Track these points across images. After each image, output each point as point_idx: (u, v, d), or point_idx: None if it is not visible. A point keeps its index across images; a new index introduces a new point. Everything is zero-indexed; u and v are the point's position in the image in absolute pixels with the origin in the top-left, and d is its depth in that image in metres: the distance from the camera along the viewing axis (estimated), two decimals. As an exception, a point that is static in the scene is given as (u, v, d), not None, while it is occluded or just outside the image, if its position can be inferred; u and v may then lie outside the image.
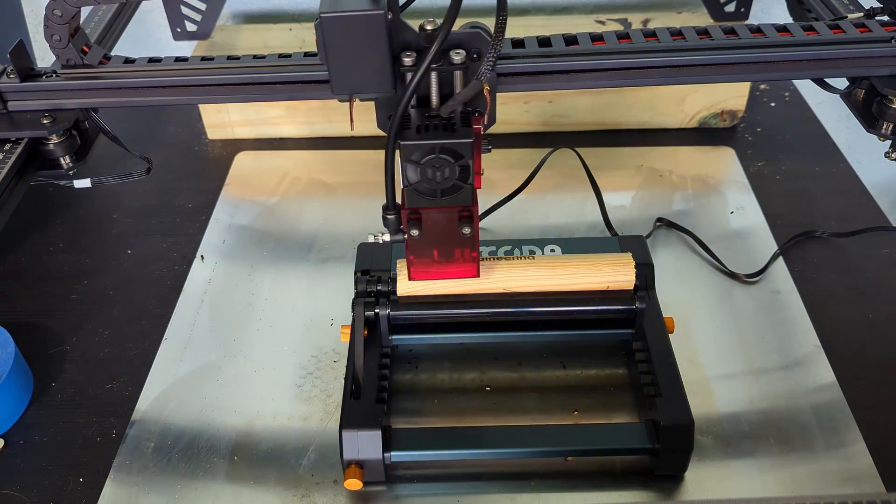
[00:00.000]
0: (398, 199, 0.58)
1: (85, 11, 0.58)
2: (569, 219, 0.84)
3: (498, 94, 0.56)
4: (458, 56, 0.52)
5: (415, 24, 0.52)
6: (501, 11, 0.49)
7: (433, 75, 0.53)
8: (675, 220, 0.82)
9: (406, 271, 0.63)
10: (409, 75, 0.52)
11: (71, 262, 0.82)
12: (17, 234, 0.85)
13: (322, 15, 0.49)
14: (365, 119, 0.58)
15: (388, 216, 0.57)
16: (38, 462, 0.64)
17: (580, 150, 0.82)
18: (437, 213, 0.57)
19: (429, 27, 0.51)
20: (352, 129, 0.55)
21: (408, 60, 0.52)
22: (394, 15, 0.51)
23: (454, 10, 0.48)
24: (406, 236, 0.58)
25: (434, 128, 0.53)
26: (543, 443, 0.60)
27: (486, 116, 0.55)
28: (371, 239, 0.59)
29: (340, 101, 0.54)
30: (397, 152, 0.54)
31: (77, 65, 0.59)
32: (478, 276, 0.62)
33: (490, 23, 0.53)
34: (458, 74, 0.53)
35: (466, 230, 0.57)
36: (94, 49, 0.60)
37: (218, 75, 0.59)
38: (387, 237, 0.59)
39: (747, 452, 0.62)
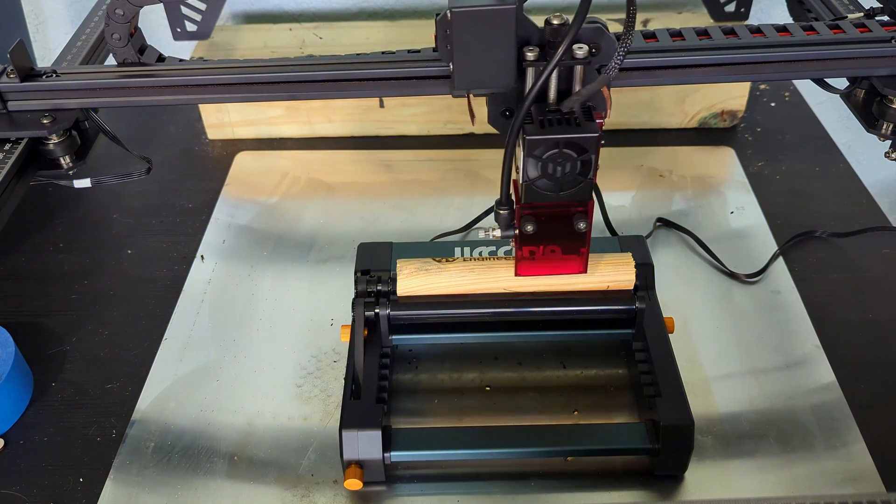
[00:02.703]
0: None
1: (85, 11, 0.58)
2: (569, 219, 0.84)
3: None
4: (580, 51, 0.52)
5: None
6: (631, 4, 0.49)
7: (555, 70, 0.53)
8: (675, 220, 0.82)
9: (406, 270, 0.63)
10: (530, 70, 0.52)
11: (71, 262, 0.82)
12: (17, 234, 0.85)
13: (452, 9, 0.49)
14: (369, 119, 0.58)
15: (501, 211, 0.57)
16: (38, 462, 0.64)
17: (580, 150, 0.82)
18: (555, 208, 0.56)
19: (556, 21, 0.51)
20: (473, 123, 0.54)
21: (530, 55, 0.52)
22: (518, 9, 0.51)
23: (585, 5, 0.48)
24: (517, 232, 0.57)
25: (557, 122, 0.53)
26: (543, 443, 0.60)
27: (607, 111, 0.55)
28: (482, 235, 0.59)
29: (455, 96, 0.54)
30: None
31: (134, 63, 0.60)
32: (585, 271, 0.61)
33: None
34: (578, 69, 0.53)
35: (582, 225, 0.57)
36: (150, 49, 0.61)
37: (218, 75, 0.59)
38: (497, 233, 0.58)
39: (747, 452, 0.62)
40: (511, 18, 0.50)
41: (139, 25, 0.60)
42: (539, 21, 0.52)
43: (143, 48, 0.61)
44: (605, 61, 0.52)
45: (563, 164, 0.53)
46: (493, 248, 0.69)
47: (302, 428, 0.65)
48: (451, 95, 0.55)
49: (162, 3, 0.59)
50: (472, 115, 0.54)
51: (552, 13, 0.51)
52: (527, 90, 0.52)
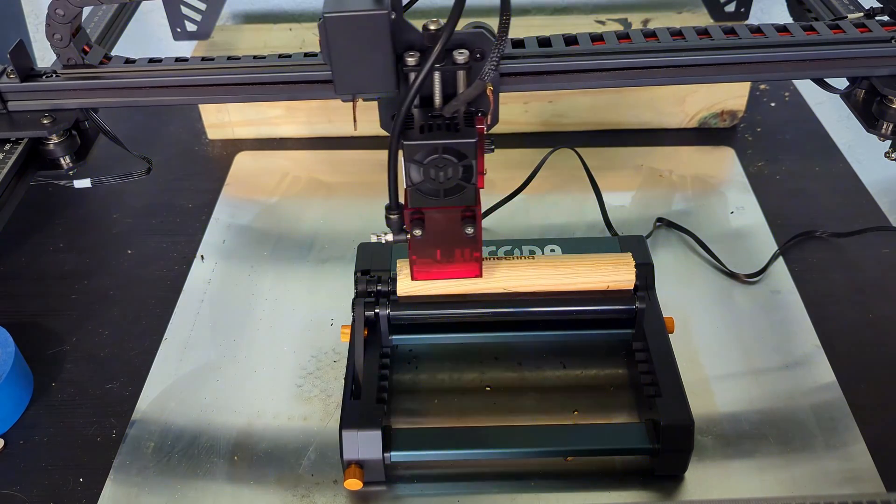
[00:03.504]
0: (401, 200, 0.58)
1: (85, 11, 0.58)
2: (569, 219, 0.84)
3: (499, 95, 0.56)
4: (461, 56, 0.52)
5: (417, 23, 0.52)
6: (505, 11, 0.49)
7: (436, 75, 0.53)
8: (675, 220, 0.82)
9: (406, 271, 0.63)
10: (412, 75, 0.52)
11: (71, 262, 0.82)
12: (17, 234, 0.85)
13: (325, 14, 0.49)
14: (366, 119, 0.58)
15: (391, 216, 0.58)
16: (38, 462, 0.64)
17: (580, 150, 0.82)
18: (441, 213, 0.57)
19: (432, 27, 0.51)
20: (355, 129, 0.55)
21: (411, 60, 0.52)
22: (397, 15, 0.51)
23: (458, 9, 0.48)
24: (409, 236, 0.58)
25: (437, 128, 0.53)
26: (543, 443, 0.60)
27: (489, 116, 0.55)
28: (374, 239, 0.59)
29: (343, 101, 0.54)
30: (400, 152, 0.54)
31: (78, 64, 0.59)
32: (480, 276, 0.62)
33: (492, 23, 0.53)
34: (461, 74, 0.53)
35: (469, 230, 0.57)
36: (95, 49, 0.60)
37: (218, 75, 0.59)
38: (389, 237, 0.59)
39: (747, 452, 0.62)
40: (385, 23, 0.50)
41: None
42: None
43: (86, 47, 0.60)
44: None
45: (444, 168, 0.54)
46: (493, 248, 0.69)
47: (302, 428, 0.65)
48: (340, 100, 0.55)
49: (162, 4, 0.59)
50: (355, 120, 0.54)
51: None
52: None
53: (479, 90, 0.52)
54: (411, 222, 0.57)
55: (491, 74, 0.51)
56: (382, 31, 0.50)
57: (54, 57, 0.60)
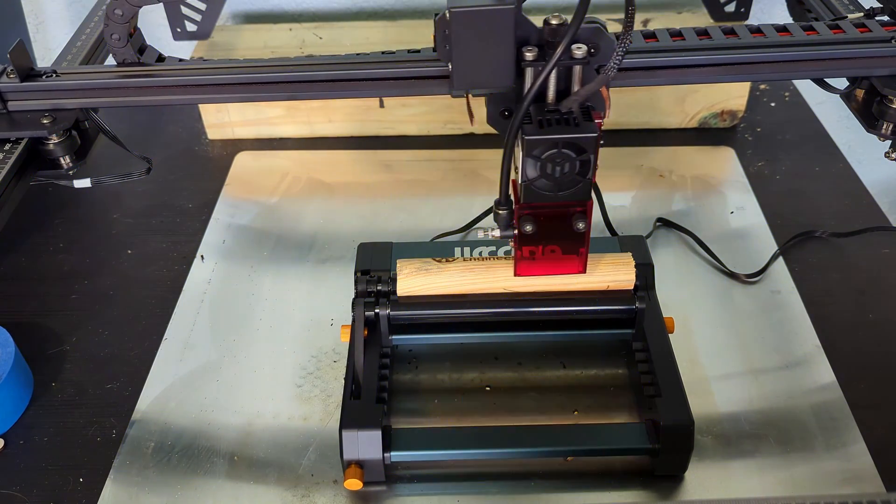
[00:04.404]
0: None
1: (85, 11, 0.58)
2: (569, 219, 0.84)
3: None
4: (579, 51, 0.52)
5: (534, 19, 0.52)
6: (630, 4, 0.49)
7: (554, 70, 0.53)
8: (675, 220, 0.82)
9: (407, 270, 0.63)
10: (528, 70, 0.52)
11: (71, 262, 0.82)
12: (17, 234, 0.85)
13: (451, 9, 0.49)
14: (369, 119, 0.58)
15: (500, 211, 0.57)
16: (38, 462, 0.64)
17: (580, 150, 0.82)
18: (554, 208, 0.56)
19: (554, 22, 0.51)
20: (472, 124, 0.54)
21: (529, 55, 0.52)
22: (516, 9, 0.51)
23: (584, 5, 0.48)
24: (516, 232, 0.57)
25: (556, 122, 0.53)
26: (543, 443, 0.60)
27: (606, 111, 0.55)
28: (480, 235, 0.59)
29: (454, 96, 0.54)
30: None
31: (134, 63, 0.60)
32: (584, 272, 0.61)
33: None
34: (577, 69, 0.53)
35: (581, 225, 0.57)
36: (150, 49, 0.61)
37: (218, 75, 0.59)
38: (497, 233, 0.58)
39: (747, 452, 0.62)
40: (509, 18, 0.50)
41: (139, 25, 0.60)
42: (538, 21, 0.52)
43: (142, 48, 0.61)
44: (603, 61, 0.52)
45: (561, 164, 0.53)
46: (493, 248, 0.69)
47: (302, 428, 0.65)
48: (450, 95, 0.55)
49: (162, 3, 0.59)
50: (471, 116, 0.54)
51: (551, 13, 0.51)
52: (525, 90, 0.52)
53: (602, 84, 0.51)
54: (521, 218, 0.56)
55: (616, 68, 0.50)
56: (506, 25, 0.50)
57: (54, 57, 0.60)
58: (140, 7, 0.56)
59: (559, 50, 0.49)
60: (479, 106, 0.55)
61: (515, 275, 0.60)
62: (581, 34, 0.52)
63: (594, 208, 0.79)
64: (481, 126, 0.55)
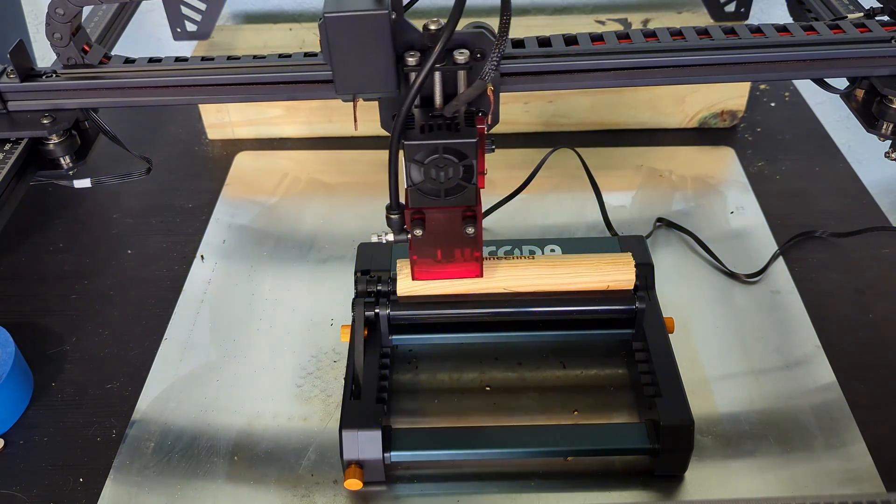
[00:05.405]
0: (401, 200, 0.58)
1: (85, 11, 0.58)
2: (569, 219, 0.84)
3: (500, 94, 0.56)
4: (461, 56, 0.52)
5: (418, 24, 0.52)
6: (505, 11, 0.49)
7: (437, 75, 0.53)
8: (675, 220, 0.82)
9: (406, 271, 0.63)
10: (412, 75, 0.52)
11: (71, 262, 0.82)
12: (17, 234, 0.85)
13: (326, 15, 0.49)
14: (366, 119, 0.58)
15: (392, 216, 0.58)
16: (38, 462, 0.64)
17: (580, 150, 0.82)
18: (441, 212, 0.57)
19: (432, 27, 0.51)
20: (356, 129, 0.55)
21: (411, 60, 0.52)
22: (397, 15, 0.50)
23: (458, 9, 0.48)
24: (409, 236, 0.58)
25: (438, 128, 0.53)
26: (543, 443, 0.60)
27: (489, 116, 0.55)
28: (374, 239, 0.59)
29: (344, 101, 0.54)
30: (401, 152, 0.54)
31: (77, 64, 0.59)
32: (481, 275, 0.62)
33: (492, 23, 0.53)
34: (461, 74, 0.53)
35: (470, 230, 0.57)
36: (95, 48, 0.60)
37: (218, 75, 0.59)
38: (390, 237, 0.59)
39: (747, 452, 0.62)
40: (385, 23, 0.50)
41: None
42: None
43: (86, 47, 0.60)
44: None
45: (445, 168, 0.54)
46: (493, 248, 0.69)
47: (302, 428, 0.65)
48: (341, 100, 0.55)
49: (162, 3, 0.59)
50: (355, 120, 0.54)
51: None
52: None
53: (480, 90, 0.52)
54: (412, 222, 0.57)
55: (491, 74, 0.51)
56: (383, 31, 0.50)
57: (54, 57, 0.60)
58: (81, 7, 0.55)
59: (433, 55, 0.49)
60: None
61: (413, 279, 0.62)
62: (465, 39, 0.52)
63: (595, 208, 0.79)
64: (362, 131, 0.55)
